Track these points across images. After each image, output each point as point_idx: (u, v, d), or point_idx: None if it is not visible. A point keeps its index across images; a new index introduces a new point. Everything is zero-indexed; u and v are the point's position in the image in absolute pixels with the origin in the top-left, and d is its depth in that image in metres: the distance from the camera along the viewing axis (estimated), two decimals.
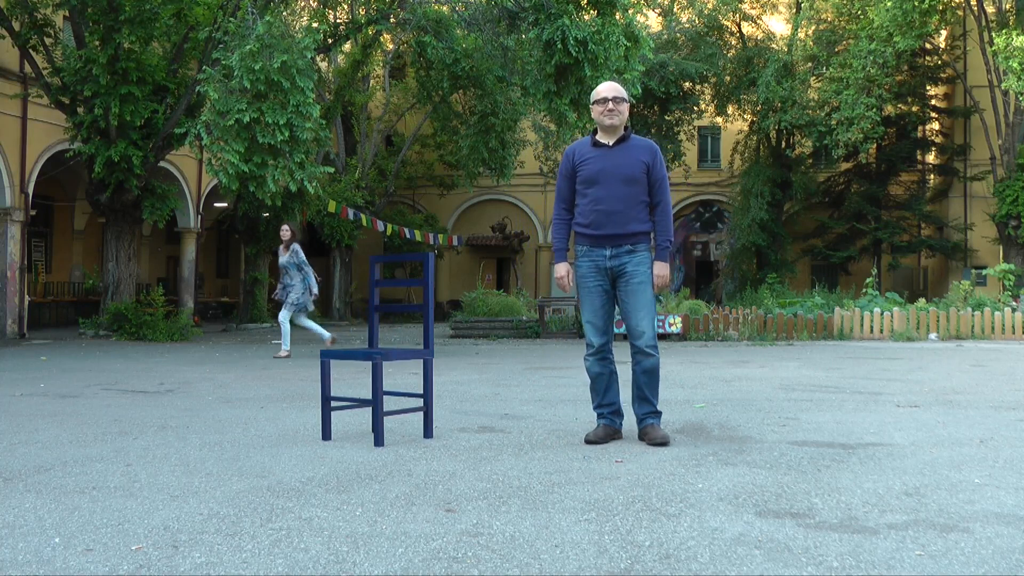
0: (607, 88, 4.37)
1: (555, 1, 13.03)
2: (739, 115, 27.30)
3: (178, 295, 21.41)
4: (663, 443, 4.16)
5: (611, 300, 4.38)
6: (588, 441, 4.26)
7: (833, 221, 26.67)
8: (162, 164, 18.17)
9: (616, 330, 5.26)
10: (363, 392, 6.27)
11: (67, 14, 15.94)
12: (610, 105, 4.30)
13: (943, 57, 26.31)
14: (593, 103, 4.41)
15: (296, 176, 12.60)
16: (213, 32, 13.45)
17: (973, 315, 15.42)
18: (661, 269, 4.30)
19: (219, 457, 3.94)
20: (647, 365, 4.28)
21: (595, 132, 4.44)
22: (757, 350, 12.46)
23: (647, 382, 4.30)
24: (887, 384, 7.22)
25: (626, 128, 4.41)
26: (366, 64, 23.82)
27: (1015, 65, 19.01)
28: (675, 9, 26.11)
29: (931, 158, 28.14)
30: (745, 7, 26.62)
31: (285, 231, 10.91)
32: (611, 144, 4.34)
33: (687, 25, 26.29)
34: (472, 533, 2.66)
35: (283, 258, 10.88)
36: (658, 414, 4.35)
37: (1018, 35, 19.23)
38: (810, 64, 25.12)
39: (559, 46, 12.86)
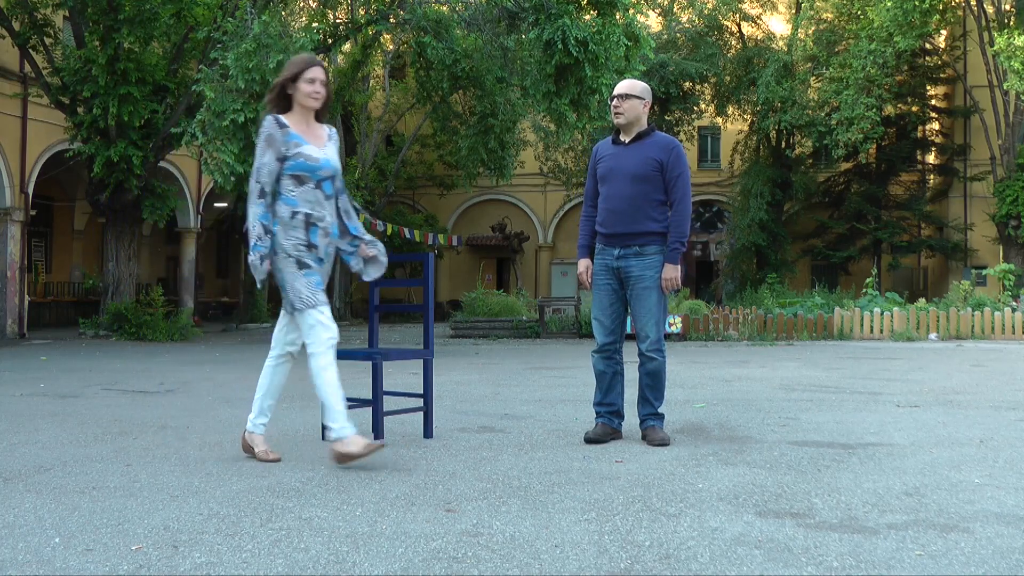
0: (618, 85, 4.41)
1: (555, 1, 13.03)
2: (739, 115, 27.29)
3: (178, 295, 21.41)
4: (663, 444, 4.16)
5: (620, 300, 4.38)
6: (588, 440, 4.26)
7: (833, 221, 26.67)
8: (162, 164, 18.17)
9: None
10: (363, 392, 6.26)
11: (67, 14, 15.94)
12: (615, 102, 4.31)
13: (943, 57, 26.31)
14: (609, 100, 4.45)
15: None
16: (212, 32, 13.45)
17: (973, 315, 15.42)
18: (670, 272, 4.26)
19: (219, 457, 3.94)
20: (650, 368, 4.29)
21: (618, 130, 4.45)
22: (757, 350, 12.45)
23: (650, 384, 4.31)
24: (887, 384, 7.21)
25: (650, 125, 4.41)
26: (366, 64, 23.81)
27: (1016, 65, 19.01)
28: (675, 9, 26.10)
29: (931, 158, 28.14)
30: (745, 7, 26.61)
31: (318, 74, 3.91)
32: (627, 142, 4.35)
33: (687, 25, 26.28)
34: (472, 533, 2.65)
35: (325, 150, 3.91)
36: (660, 416, 4.35)
37: (1019, 35, 19.23)
38: (810, 64, 25.11)
39: (559, 46, 12.86)
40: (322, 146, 3.89)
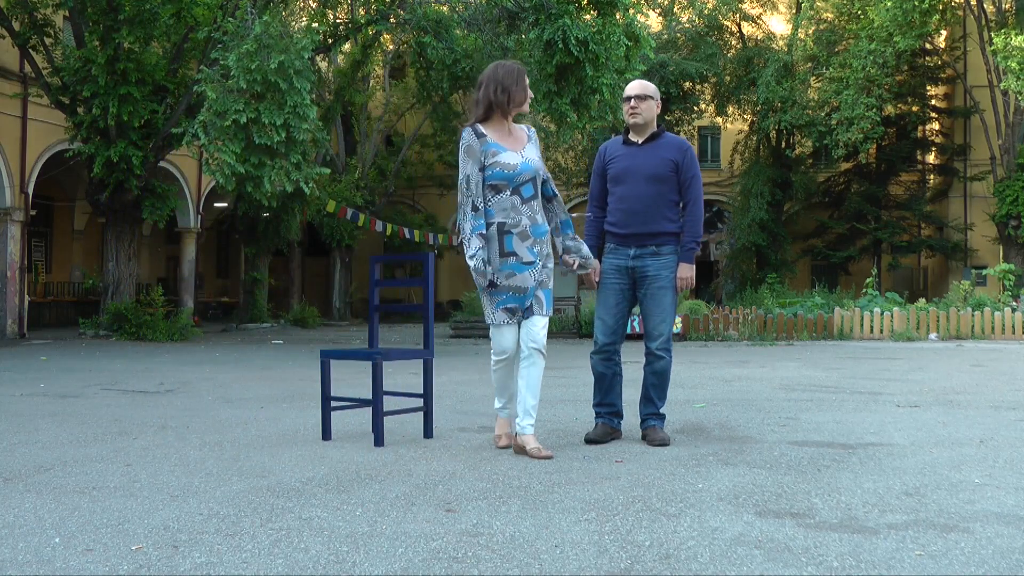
0: (632, 86, 4.39)
1: (555, 1, 13.04)
2: (739, 115, 27.31)
3: (178, 295, 21.40)
4: (663, 444, 4.16)
5: (627, 301, 4.37)
6: (588, 440, 4.26)
7: (833, 221, 26.68)
8: (162, 164, 18.16)
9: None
10: (363, 392, 6.26)
11: (67, 14, 15.94)
12: (632, 103, 4.30)
13: (943, 57, 26.32)
14: (623, 102, 4.43)
15: (292, 177, 12.59)
16: (212, 32, 13.46)
17: (973, 315, 15.42)
18: (685, 271, 4.30)
19: (219, 457, 3.94)
20: (657, 367, 4.29)
21: (627, 130, 4.44)
22: (757, 350, 12.45)
23: (655, 383, 4.31)
24: (887, 384, 7.22)
25: (659, 125, 4.41)
26: (366, 64, 23.80)
27: (1014, 65, 19.01)
28: (675, 9, 26.12)
29: (931, 158, 28.16)
30: (745, 7, 26.64)
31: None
32: (640, 142, 4.35)
33: (687, 25, 26.30)
34: (472, 533, 2.65)
35: (524, 152, 3.94)
36: (661, 416, 4.35)
37: (1017, 35, 19.23)
38: (810, 64, 25.13)
39: (560, 46, 12.87)
40: (521, 148, 3.94)
